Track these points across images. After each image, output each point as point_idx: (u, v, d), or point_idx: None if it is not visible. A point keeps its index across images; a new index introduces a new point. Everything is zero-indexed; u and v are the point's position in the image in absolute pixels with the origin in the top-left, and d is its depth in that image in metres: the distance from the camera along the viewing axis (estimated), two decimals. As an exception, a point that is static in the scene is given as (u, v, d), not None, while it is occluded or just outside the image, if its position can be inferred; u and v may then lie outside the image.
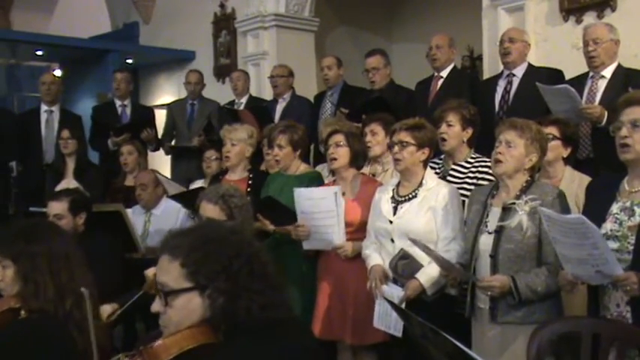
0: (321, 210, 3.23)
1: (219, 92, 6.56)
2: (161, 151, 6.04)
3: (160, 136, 5.91)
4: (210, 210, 2.72)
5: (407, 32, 7.38)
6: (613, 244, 2.27)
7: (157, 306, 1.54)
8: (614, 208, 2.34)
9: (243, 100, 5.83)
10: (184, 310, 1.50)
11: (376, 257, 3.09)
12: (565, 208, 2.57)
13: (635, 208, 2.30)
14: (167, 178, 4.80)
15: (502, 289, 2.55)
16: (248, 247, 1.55)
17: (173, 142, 5.99)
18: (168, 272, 1.51)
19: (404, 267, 2.89)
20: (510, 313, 2.59)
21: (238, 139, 4.02)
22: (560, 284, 2.41)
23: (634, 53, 3.98)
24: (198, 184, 4.36)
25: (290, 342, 1.53)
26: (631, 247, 2.24)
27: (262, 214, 3.46)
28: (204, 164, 4.62)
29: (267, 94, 6.06)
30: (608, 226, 2.32)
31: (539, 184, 2.71)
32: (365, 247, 3.18)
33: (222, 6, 6.99)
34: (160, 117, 6.16)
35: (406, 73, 5.89)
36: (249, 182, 3.97)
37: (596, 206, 2.40)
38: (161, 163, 6.36)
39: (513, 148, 2.62)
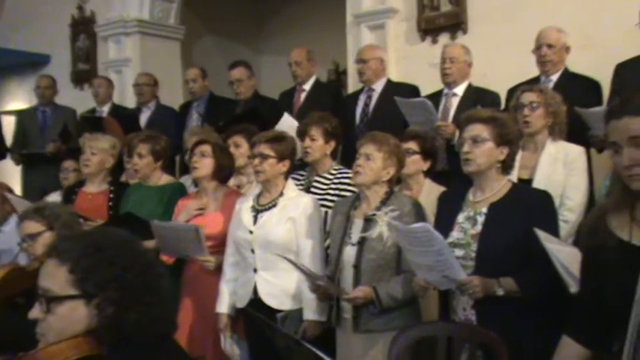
0: (183, 239, 3.13)
1: (77, 99, 6.25)
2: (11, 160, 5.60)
3: (9, 145, 5.48)
4: (30, 227, 2.66)
5: (275, 45, 7.45)
6: (459, 252, 2.43)
7: (35, 312, 1.44)
8: (460, 217, 2.51)
9: (106, 107, 5.60)
10: (67, 319, 1.42)
11: (225, 297, 3.07)
12: (421, 217, 2.71)
13: (478, 217, 2.47)
14: (16, 195, 4.44)
15: (366, 300, 2.64)
16: (142, 258, 1.50)
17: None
18: (54, 277, 1.43)
19: (289, 325, 2.88)
20: (372, 322, 2.68)
21: (99, 148, 3.84)
22: (414, 289, 2.54)
23: (482, 73, 4.30)
24: (53, 197, 4.08)
25: (174, 358, 1.51)
26: (474, 254, 2.41)
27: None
28: (62, 175, 4.36)
29: (130, 102, 5.85)
30: (455, 234, 2.48)
31: (398, 195, 2.85)
32: (225, 258, 3.13)
33: (80, 8, 6.65)
34: (10, 125, 5.72)
35: (275, 85, 5.93)
36: (110, 195, 3.80)
37: (445, 215, 2.56)
38: (13, 172, 5.89)
39: (372, 161, 2.74)
